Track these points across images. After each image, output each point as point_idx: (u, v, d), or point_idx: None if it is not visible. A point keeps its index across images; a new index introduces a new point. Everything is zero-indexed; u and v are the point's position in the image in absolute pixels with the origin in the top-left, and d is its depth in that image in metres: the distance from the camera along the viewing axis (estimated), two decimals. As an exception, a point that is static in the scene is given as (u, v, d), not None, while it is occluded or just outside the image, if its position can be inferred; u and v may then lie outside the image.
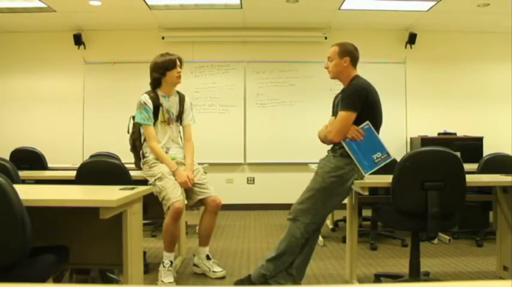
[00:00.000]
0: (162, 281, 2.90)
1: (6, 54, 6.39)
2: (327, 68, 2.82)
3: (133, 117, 3.27)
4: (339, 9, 5.52)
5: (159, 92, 3.21)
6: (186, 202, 3.17)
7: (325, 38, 6.19)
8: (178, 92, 3.34)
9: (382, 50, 6.36)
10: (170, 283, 2.90)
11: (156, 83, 3.22)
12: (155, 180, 3.02)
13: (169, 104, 3.24)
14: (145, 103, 3.12)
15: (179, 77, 3.20)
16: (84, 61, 6.32)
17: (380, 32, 6.37)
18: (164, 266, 2.97)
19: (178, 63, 3.19)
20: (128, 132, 3.31)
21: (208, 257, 3.21)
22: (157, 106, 3.16)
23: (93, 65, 6.31)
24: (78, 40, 6.23)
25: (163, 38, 6.18)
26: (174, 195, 2.94)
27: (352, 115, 2.63)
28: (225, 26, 6.19)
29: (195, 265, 3.26)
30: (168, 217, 2.95)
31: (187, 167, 3.16)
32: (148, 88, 3.24)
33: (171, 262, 2.99)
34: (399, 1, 5.33)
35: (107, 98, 6.27)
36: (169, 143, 3.22)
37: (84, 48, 6.33)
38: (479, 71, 6.46)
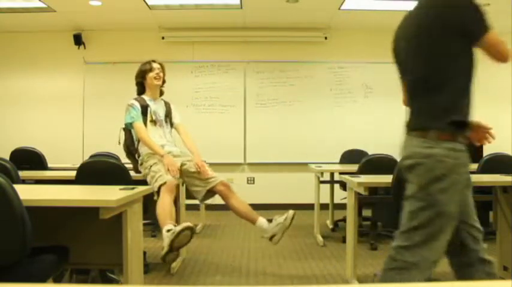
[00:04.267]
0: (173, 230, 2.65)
1: (6, 54, 6.39)
2: None
3: (123, 128, 3.33)
4: (339, 9, 5.52)
5: (145, 97, 3.35)
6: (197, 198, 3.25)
7: (325, 38, 6.18)
8: (163, 100, 3.47)
9: (382, 50, 6.28)
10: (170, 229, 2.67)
11: (140, 89, 3.39)
12: (150, 167, 3.05)
13: (156, 106, 3.35)
14: (132, 104, 3.26)
15: (156, 78, 3.32)
16: (84, 61, 6.32)
17: (380, 32, 6.34)
18: (168, 231, 2.67)
19: (153, 65, 3.33)
20: (119, 143, 3.37)
21: (270, 221, 3.00)
22: (144, 107, 3.26)
23: (93, 65, 6.31)
24: (78, 40, 6.22)
25: (163, 38, 6.18)
26: (168, 176, 2.95)
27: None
28: (225, 26, 6.18)
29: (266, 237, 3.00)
30: (163, 193, 2.86)
31: (195, 154, 3.25)
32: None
33: (173, 227, 2.69)
34: (399, 1, 5.33)
35: (107, 98, 6.26)
36: (162, 141, 3.25)
37: (84, 48, 6.33)
38: (479, 71, 6.41)
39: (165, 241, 2.65)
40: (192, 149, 3.32)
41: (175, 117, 3.45)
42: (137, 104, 3.24)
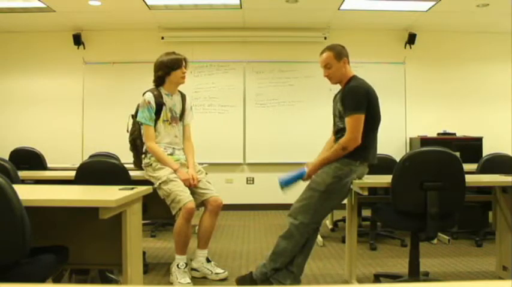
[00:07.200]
0: (179, 282, 2.89)
1: (6, 54, 6.39)
2: (327, 76, 2.84)
3: (133, 116, 3.25)
4: (339, 9, 5.53)
5: (162, 90, 3.18)
6: None
7: (325, 38, 6.19)
8: (179, 91, 3.33)
9: (382, 50, 6.36)
10: (188, 283, 2.90)
11: (159, 81, 3.18)
12: (160, 183, 2.98)
13: (173, 102, 3.20)
14: (149, 102, 3.07)
15: (183, 77, 3.19)
16: (84, 61, 6.32)
17: (380, 32, 6.37)
18: (179, 268, 2.96)
19: (183, 63, 3.19)
20: (127, 131, 3.29)
21: (208, 260, 3.18)
22: (160, 105, 3.12)
23: (93, 65, 6.31)
24: (77, 40, 6.22)
25: (162, 38, 6.18)
26: (184, 196, 2.93)
27: (362, 116, 2.64)
28: (224, 26, 6.19)
29: (193, 269, 3.17)
30: (181, 219, 2.94)
31: (191, 166, 3.15)
32: (148, 87, 3.22)
33: (186, 264, 3.00)
34: (399, 1, 5.33)
35: (106, 98, 6.26)
36: (175, 144, 3.19)
37: (84, 48, 6.33)
38: (479, 71, 6.47)
39: (173, 275, 2.96)
40: (188, 158, 3.20)
41: (188, 117, 3.31)
42: (153, 103, 3.07)
